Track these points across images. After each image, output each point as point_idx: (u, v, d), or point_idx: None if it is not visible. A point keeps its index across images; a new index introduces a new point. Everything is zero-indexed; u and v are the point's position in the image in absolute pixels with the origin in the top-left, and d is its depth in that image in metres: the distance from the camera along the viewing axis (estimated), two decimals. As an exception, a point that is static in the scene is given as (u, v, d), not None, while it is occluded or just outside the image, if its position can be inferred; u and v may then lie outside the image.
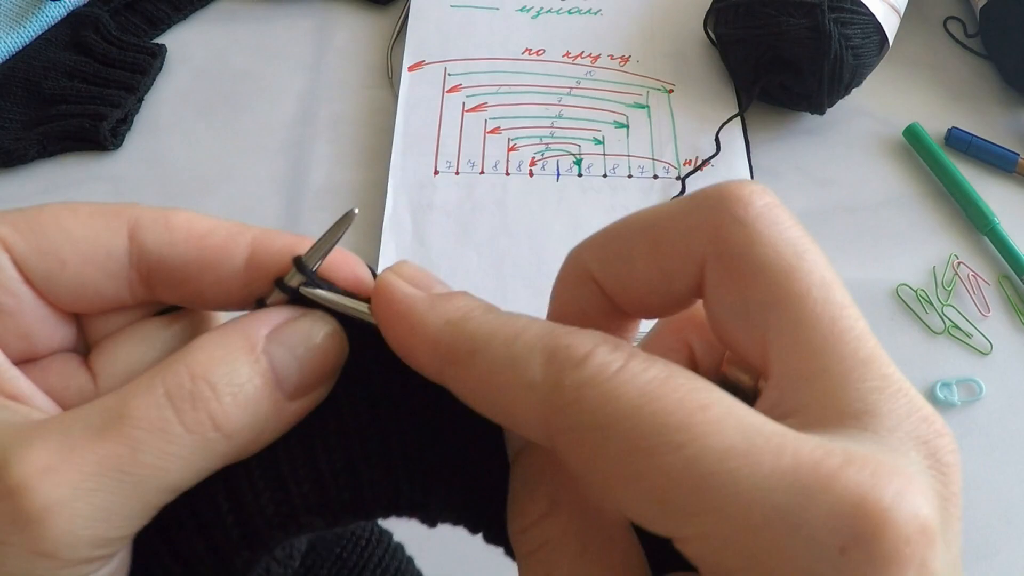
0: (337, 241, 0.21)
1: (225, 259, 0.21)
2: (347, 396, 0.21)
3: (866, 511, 0.14)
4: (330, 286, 0.21)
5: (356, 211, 0.21)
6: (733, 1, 0.54)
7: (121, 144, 0.54)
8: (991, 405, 0.46)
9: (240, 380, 0.18)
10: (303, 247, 0.21)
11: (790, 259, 0.18)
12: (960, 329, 0.48)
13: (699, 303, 0.20)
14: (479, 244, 0.49)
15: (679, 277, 0.19)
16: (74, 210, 0.20)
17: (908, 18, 0.58)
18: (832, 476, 0.15)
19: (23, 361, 0.20)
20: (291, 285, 0.21)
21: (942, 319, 0.48)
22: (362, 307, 0.20)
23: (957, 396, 0.46)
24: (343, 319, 0.21)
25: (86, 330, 0.22)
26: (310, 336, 0.20)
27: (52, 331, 0.21)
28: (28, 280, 0.20)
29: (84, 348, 0.22)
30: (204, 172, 0.53)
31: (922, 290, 0.49)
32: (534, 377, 0.17)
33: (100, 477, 0.17)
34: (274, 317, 0.20)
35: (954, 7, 0.63)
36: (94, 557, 0.17)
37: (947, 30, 0.61)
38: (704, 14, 0.59)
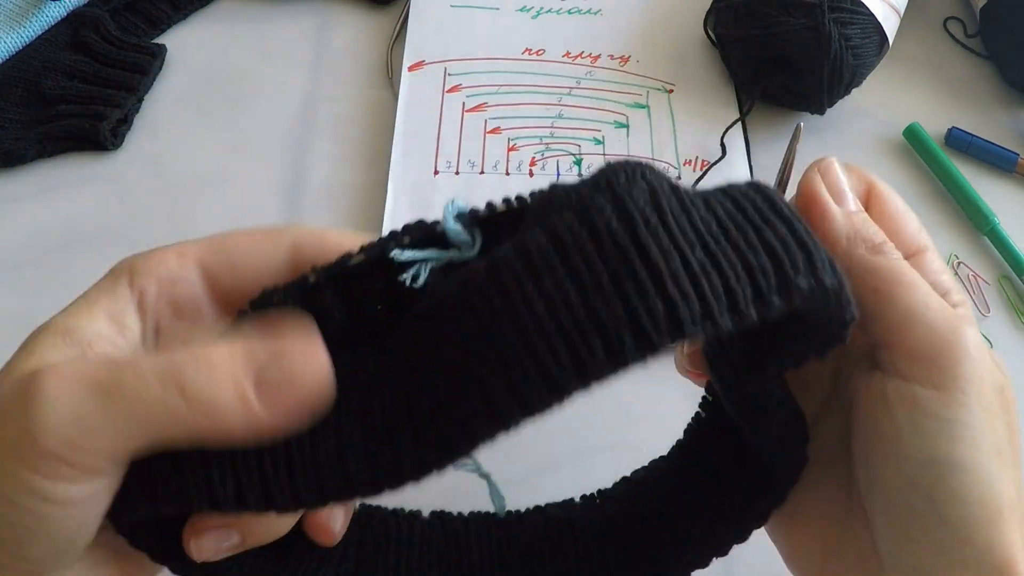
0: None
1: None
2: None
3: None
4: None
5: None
6: (733, 1, 0.54)
7: (121, 144, 0.54)
8: (991, 405, 0.46)
9: (216, 361, 0.21)
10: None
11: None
12: (960, 329, 0.48)
13: None
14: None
15: None
16: (249, 233, 0.26)
17: (908, 18, 0.58)
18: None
19: None
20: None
21: (942, 319, 0.48)
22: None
23: (957, 396, 0.46)
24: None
25: None
26: (297, 366, 0.22)
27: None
28: (213, 290, 0.25)
29: None
30: (204, 172, 0.53)
31: (922, 290, 0.49)
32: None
33: (89, 388, 0.20)
34: (277, 330, 0.23)
35: (954, 7, 0.63)
36: (66, 459, 0.20)
37: (947, 30, 0.61)
38: (704, 14, 0.59)
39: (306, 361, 0.22)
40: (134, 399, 0.20)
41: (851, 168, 0.30)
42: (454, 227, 0.24)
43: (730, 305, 0.19)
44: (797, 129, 0.23)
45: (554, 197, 0.21)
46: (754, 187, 0.23)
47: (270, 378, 0.21)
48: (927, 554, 0.24)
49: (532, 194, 0.23)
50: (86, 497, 0.21)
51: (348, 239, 0.26)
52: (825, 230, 0.26)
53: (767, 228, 0.21)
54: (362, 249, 0.24)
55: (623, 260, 0.19)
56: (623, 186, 0.21)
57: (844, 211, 0.27)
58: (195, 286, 0.25)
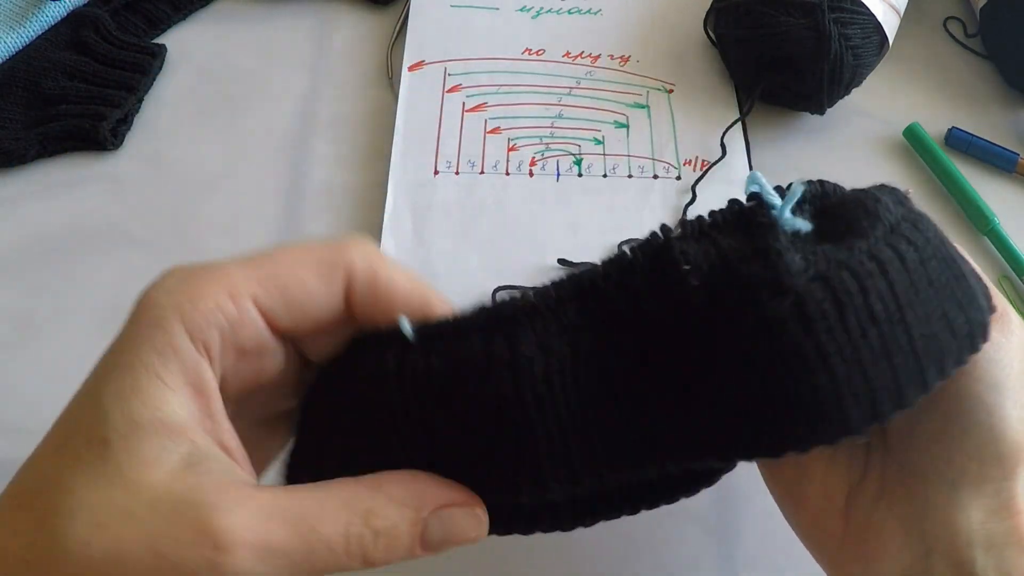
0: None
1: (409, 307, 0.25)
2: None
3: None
4: None
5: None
6: (733, 1, 0.54)
7: (121, 144, 0.54)
8: (991, 405, 0.46)
9: (397, 537, 0.23)
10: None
11: None
12: (960, 329, 0.48)
13: None
14: (479, 244, 0.49)
15: None
16: (301, 262, 0.24)
17: (908, 18, 0.58)
18: None
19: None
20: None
21: (942, 319, 0.48)
22: None
23: (957, 396, 0.46)
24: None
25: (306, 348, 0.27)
26: (463, 528, 0.24)
27: (277, 362, 0.26)
28: (271, 326, 0.24)
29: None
30: (204, 172, 0.53)
31: (922, 290, 0.49)
32: None
33: (274, 557, 0.21)
34: (449, 495, 0.24)
35: (954, 7, 0.63)
36: None
37: (947, 30, 0.61)
38: (704, 14, 0.59)
39: (468, 519, 0.24)
40: (319, 567, 0.22)
41: None
42: (790, 218, 0.24)
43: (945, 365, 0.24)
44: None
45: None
46: (929, 226, 0.27)
47: (435, 538, 0.24)
48: (970, 464, 0.28)
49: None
50: None
51: (400, 277, 0.26)
52: None
53: (962, 282, 0.25)
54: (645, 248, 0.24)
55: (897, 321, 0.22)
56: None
57: None
58: (258, 328, 0.24)
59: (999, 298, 0.29)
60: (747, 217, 0.24)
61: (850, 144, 0.56)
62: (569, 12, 0.61)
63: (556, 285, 0.24)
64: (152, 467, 0.21)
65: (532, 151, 0.54)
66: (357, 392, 0.25)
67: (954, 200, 0.53)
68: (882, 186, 0.27)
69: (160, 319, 0.22)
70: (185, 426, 0.21)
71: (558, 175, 0.53)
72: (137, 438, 0.21)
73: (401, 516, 0.23)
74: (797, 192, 0.24)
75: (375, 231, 0.50)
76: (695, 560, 0.41)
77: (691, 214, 0.51)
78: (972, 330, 0.24)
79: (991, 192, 0.53)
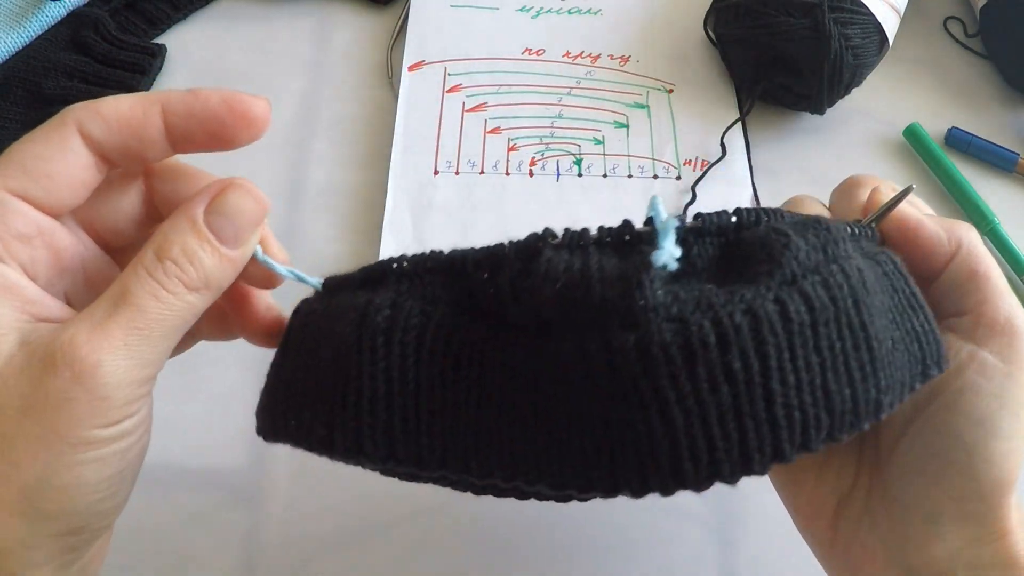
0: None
1: (149, 129, 0.27)
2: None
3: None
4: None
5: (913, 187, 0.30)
6: (733, 1, 0.54)
7: (121, 144, 0.54)
8: (991, 405, 0.46)
9: (191, 249, 0.25)
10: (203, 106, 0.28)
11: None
12: (960, 329, 0.48)
13: None
14: (479, 244, 0.49)
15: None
16: (31, 139, 0.27)
17: (908, 18, 0.58)
18: None
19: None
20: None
21: (942, 319, 0.48)
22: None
23: (957, 396, 0.46)
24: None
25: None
26: (235, 200, 0.27)
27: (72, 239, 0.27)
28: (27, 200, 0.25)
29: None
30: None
31: (922, 290, 0.49)
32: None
33: (125, 334, 0.24)
34: (207, 194, 0.27)
35: (954, 7, 0.63)
36: (135, 397, 0.24)
37: (947, 30, 0.61)
38: (704, 14, 0.59)
39: (239, 197, 0.27)
40: (160, 319, 0.24)
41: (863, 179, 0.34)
42: (663, 250, 0.22)
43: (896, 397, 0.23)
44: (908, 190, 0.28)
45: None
46: (892, 260, 0.26)
47: (228, 230, 0.26)
48: (948, 502, 0.27)
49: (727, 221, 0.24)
50: (143, 419, 0.25)
51: (113, 103, 0.26)
52: (934, 244, 0.30)
53: (914, 315, 0.25)
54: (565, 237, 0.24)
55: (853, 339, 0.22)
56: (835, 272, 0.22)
57: (931, 218, 0.31)
58: (24, 213, 0.25)
59: (1007, 314, 0.29)
60: (631, 240, 0.23)
61: (850, 144, 0.56)
62: (569, 12, 0.61)
63: (432, 256, 0.25)
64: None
65: (532, 151, 0.54)
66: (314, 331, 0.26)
67: (954, 200, 0.53)
68: (817, 221, 0.24)
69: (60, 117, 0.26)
70: (9, 321, 0.24)
71: (558, 175, 0.53)
72: None
73: (180, 232, 0.25)
74: (669, 227, 0.22)
75: (375, 231, 0.50)
76: (695, 560, 0.41)
77: (691, 214, 0.51)
78: (858, 408, 0.21)
79: (991, 192, 0.53)
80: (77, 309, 0.26)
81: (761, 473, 0.20)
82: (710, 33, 0.59)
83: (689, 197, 0.51)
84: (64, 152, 0.26)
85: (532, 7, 0.61)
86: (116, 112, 0.26)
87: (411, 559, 0.40)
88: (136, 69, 0.56)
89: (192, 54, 0.59)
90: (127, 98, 0.26)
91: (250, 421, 0.28)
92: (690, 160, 0.53)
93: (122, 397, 0.24)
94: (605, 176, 0.53)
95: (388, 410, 0.23)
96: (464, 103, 0.56)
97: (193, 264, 0.25)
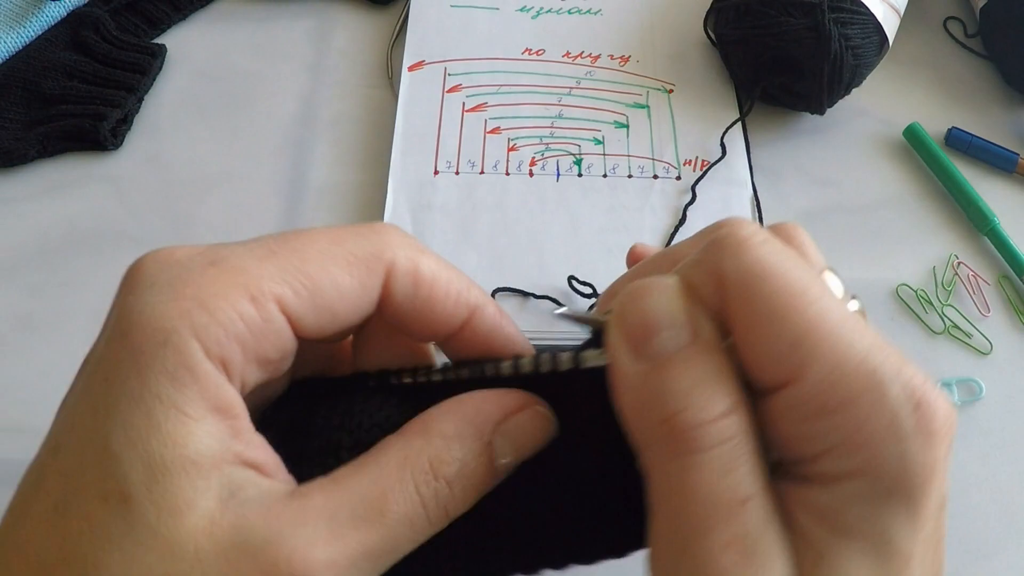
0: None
1: (448, 319, 0.23)
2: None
3: (927, 391, 0.18)
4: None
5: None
6: (733, 1, 0.54)
7: (121, 144, 0.54)
8: (991, 405, 0.46)
9: (472, 477, 0.21)
10: (508, 331, 0.23)
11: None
12: (960, 329, 0.48)
13: None
14: (479, 244, 0.49)
15: None
16: (336, 258, 0.20)
17: (908, 18, 0.58)
18: (904, 362, 0.18)
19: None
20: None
21: (942, 319, 0.48)
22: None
23: (957, 396, 0.46)
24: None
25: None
26: (532, 433, 0.22)
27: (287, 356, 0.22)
28: (295, 328, 0.20)
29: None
30: (204, 172, 0.53)
31: (922, 290, 0.49)
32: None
33: (361, 562, 0.19)
34: (501, 405, 0.21)
35: (954, 7, 0.63)
36: None
37: (947, 30, 0.61)
38: (704, 14, 0.59)
39: (533, 421, 0.22)
40: (407, 548, 0.20)
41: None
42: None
43: None
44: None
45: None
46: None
47: (506, 457, 0.22)
48: None
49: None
50: None
51: (443, 279, 0.22)
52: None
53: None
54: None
55: None
56: None
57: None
58: (285, 337, 0.20)
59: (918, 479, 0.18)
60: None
61: (850, 144, 0.56)
62: (569, 12, 0.61)
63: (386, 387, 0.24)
64: (187, 515, 0.17)
65: (532, 151, 0.54)
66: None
67: (954, 200, 0.53)
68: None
69: (166, 335, 0.18)
70: (217, 457, 0.18)
71: (558, 175, 0.53)
72: (164, 486, 0.17)
73: (467, 451, 0.21)
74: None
75: (375, 231, 0.50)
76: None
77: (691, 214, 0.51)
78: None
79: (991, 192, 0.53)
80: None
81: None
82: (710, 33, 0.59)
83: (689, 197, 0.51)
84: (363, 292, 0.21)
85: (532, 7, 0.61)
86: (439, 285, 0.22)
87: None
88: (136, 69, 0.56)
89: (192, 54, 0.59)
90: (449, 270, 0.22)
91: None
92: (690, 160, 0.53)
93: None
94: (605, 176, 0.53)
95: None
96: (464, 103, 0.56)
97: (466, 491, 0.21)
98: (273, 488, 0.19)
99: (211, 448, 0.18)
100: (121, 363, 0.18)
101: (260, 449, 0.20)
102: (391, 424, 0.22)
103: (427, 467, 0.20)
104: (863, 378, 0.17)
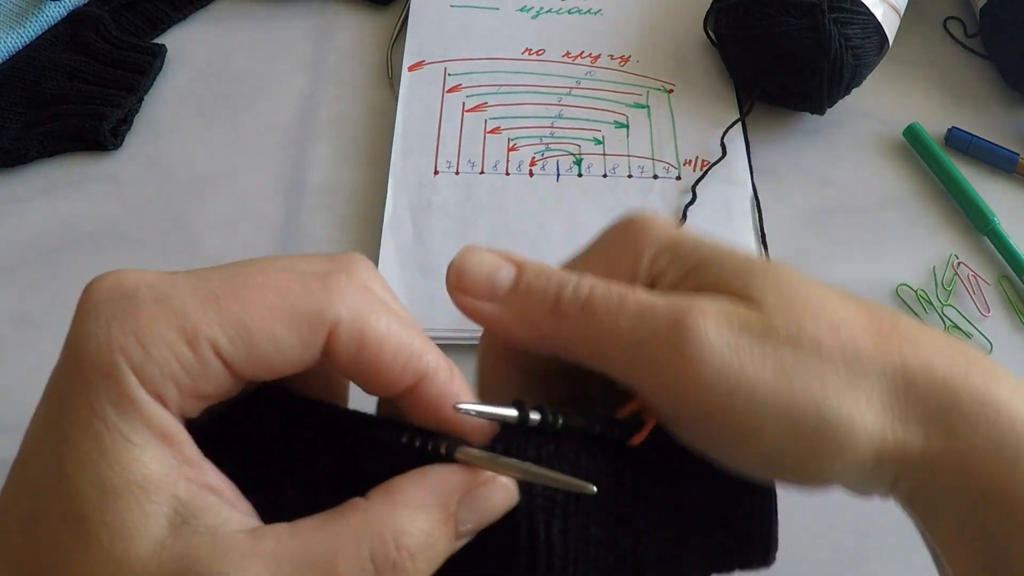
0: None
1: (392, 383, 0.22)
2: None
3: (677, 317, 0.23)
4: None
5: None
6: (733, 1, 0.54)
7: (121, 144, 0.54)
8: (991, 405, 0.46)
9: (434, 547, 0.21)
10: (454, 395, 0.23)
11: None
12: (960, 329, 0.48)
13: None
14: (479, 244, 0.49)
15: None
16: (276, 312, 0.21)
17: (908, 18, 0.58)
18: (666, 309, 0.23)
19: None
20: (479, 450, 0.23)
21: (942, 319, 0.48)
22: (556, 476, 0.22)
23: (957, 396, 0.46)
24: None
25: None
26: (495, 505, 0.22)
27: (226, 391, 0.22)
28: (230, 371, 0.21)
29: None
30: (204, 172, 0.53)
31: (922, 290, 0.49)
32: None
33: None
34: (463, 481, 0.22)
35: (954, 7, 0.63)
36: None
37: (947, 30, 0.61)
38: (704, 14, 0.59)
39: (496, 492, 0.22)
40: None
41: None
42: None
43: None
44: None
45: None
46: None
47: (468, 526, 0.22)
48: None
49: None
50: None
51: (391, 343, 0.22)
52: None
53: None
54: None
55: None
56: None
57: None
58: (220, 379, 0.20)
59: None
60: None
61: (850, 144, 0.56)
62: (569, 12, 0.61)
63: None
64: (136, 539, 0.18)
65: (532, 151, 0.54)
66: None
67: (954, 200, 0.53)
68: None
69: (108, 367, 0.19)
70: (163, 481, 0.19)
71: (558, 175, 0.53)
72: (114, 509, 0.18)
73: (431, 523, 0.21)
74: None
75: (375, 231, 0.50)
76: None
77: (691, 214, 0.51)
78: None
79: (991, 192, 0.53)
80: None
81: None
82: (710, 33, 0.59)
83: (689, 197, 0.51)
84: (303, 349, 0.21)
85: (532, 7, 0.61)
86: (385, 349, 0.22)
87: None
88: (136, 69, 0.56)
89: (192, 54, 0.59)
90: (402, 326, 0.22)
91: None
92: (690, 160, 0.53)
93: None
94: (605, 176, 0.53)
95: None
96: (464, 103, 0.56)
97: (429, 564, 0.21)
98: (230, 520, 0.20)
99: (157, 473, 0.19)
100: (73, 389, 0.19)
101: (213, 474, 0.20)
102: (356, 474, 0.22)
103: (390, 536, 0.20)
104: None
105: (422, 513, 0.21)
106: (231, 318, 0.20)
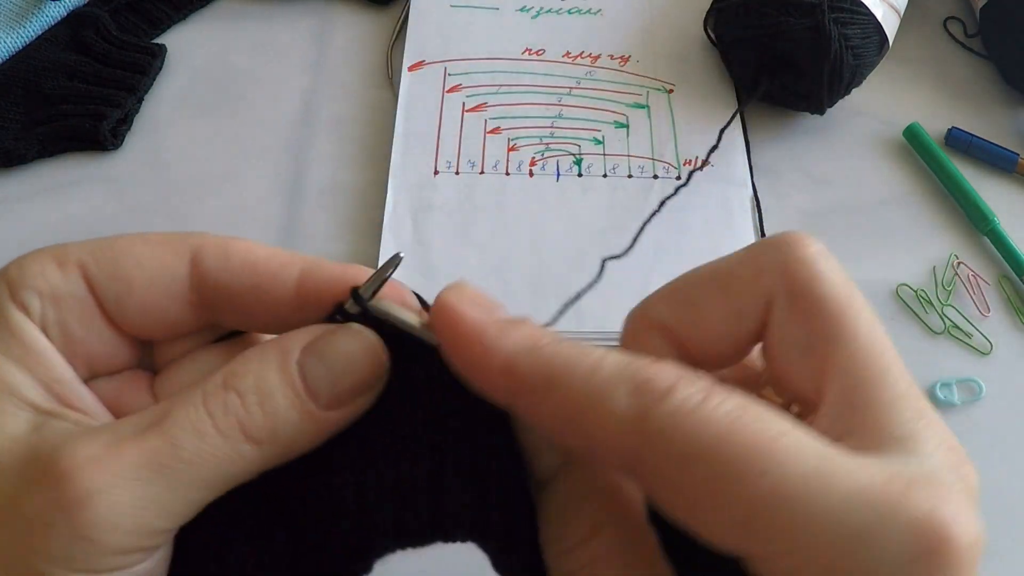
0: (388, 277, 0.22)
1: (277, 285, 0.22)
2: (404, 416, 0.21)
3: (933, 527, 0.16)
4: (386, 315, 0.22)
5: (403, 255, 0.23)
6: (733, 1, 0.54)
7: (121, 144, 0.54)
8: (991, 405, 0.46)
9: (268, 390, 0.20)
10: (351, 276, 0.22)
11: (846, 296, 0.20)
12: (960, 329, 0.48)
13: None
14: (479, 244, 0.49)
15: (748, 316, 0.21)
16: (145, 239, 0.22)
17: (908, 18, 0.58)
18: (901, 496, 0.17)
19: (91, 378, 0.23)
20: (351, 312, 0.22)
21: (942, 319, 0.48)
22: (428, 332, 0.21)
23: (957, 396, 0.46)
24: (404, 343, 0.21)
25: (156, 355, 0.24)
26: (345, 350, 0.21)
27: (115, 354, 0.23)
28: (101, 305, 0.22)
29: (155, 371, 0.24)
30: (204, 172, 0.53)
31: (922, 290, 0.49)
32: (619, 408, 0.18)
33: (140, 468, 0.19)
34: (311, 332, 0.21)
35: (954, 7, 0.63)
36: (132, 547, 0.19)
37: (947, 30, 0.61)
38: (704, 14, 0.59)
39: (348, 340, 0.21)
40: (196, 462, 0.19)
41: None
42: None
43: None
44: (395, 257, 0.22)
45: None
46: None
47: (323, 381, 0.20)
48: None
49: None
50: (149, 570, 0.20)
51: (248, 247, 0.23)
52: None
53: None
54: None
55: None
56: None
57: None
58: (86, 305, 0.22)
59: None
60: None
61: (850, 144, 0.56)
62: (569, 12, 0.61)
63: None
64: (1, 432, 0.20)
65: (532, 151, 0.54)
66: None
67: (954, 200, 0.53)
68: None
69: None
70: (24, 392, 0.20)
71: (558, 175, 0.53)
72: None
73: (265, 366, 0.20)
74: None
75: (375, 231, 0.50)
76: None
77: (691, 214, 0.51)
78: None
79: (991, 192, 0.53)
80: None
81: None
82: (710, 33, 0.59)
83: (689, 197, 0.51)
84: (167, 265, 0.22)
85: (532, 7, 0.61)
86: (253, 251, 0.22)
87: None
88: (136, 69, 0.56)
89: (192, 54, 0.59)
90: (261, 248, 0.22)
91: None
92: (690, 160, 0.53)
93: (113, 544, 0.18)
94: (605, 176, 0.53)
95: None
96: (464, 103, 0.56)
97: (263, 407, 0.20)
98: (87, 422, 0.21)
99: (24, 383, 0.20)
100: None
101: (85, 396, 0.22)
102: None
103: (218, 380, 0.20)
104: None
105: (256, 357, 0.20)
106: (98, 246, 0.22)
